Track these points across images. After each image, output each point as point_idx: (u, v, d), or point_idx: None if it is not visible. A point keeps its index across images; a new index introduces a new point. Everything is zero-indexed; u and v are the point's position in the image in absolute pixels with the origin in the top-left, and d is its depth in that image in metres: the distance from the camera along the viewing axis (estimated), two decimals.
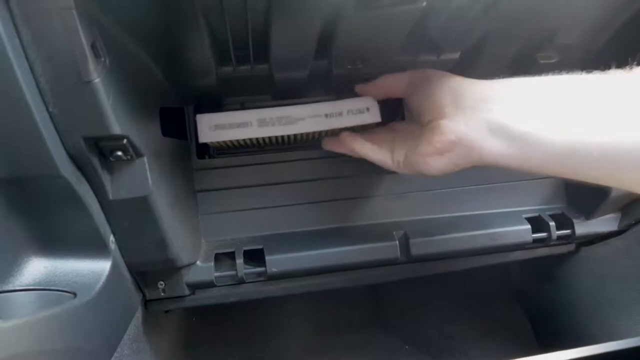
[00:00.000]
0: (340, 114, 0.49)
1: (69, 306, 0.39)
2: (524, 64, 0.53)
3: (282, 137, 0.50)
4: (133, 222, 0.45)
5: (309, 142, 0.56)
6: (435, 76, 0.43)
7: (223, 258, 0.57)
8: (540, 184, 0.65)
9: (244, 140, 0.49)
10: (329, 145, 0.53)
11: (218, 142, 0.50)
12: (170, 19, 0.37)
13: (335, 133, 0.51)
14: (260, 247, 0.56)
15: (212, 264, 0.55)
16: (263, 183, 0.59)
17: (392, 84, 0.48)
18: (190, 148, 0.57)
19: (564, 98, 0.36)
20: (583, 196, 0.63)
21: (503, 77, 0.40)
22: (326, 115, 0.49)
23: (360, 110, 0.49)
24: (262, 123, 0.48)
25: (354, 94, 0.50)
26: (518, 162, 0.38)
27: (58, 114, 0.35)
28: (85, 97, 0.34)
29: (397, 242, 0.58)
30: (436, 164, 0.42)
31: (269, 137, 0.49)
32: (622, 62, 0.36)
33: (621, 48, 0.50)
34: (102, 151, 0.39)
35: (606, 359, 0.47)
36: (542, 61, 0.52)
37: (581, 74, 0.37)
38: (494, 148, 0.38)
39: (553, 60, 0.51)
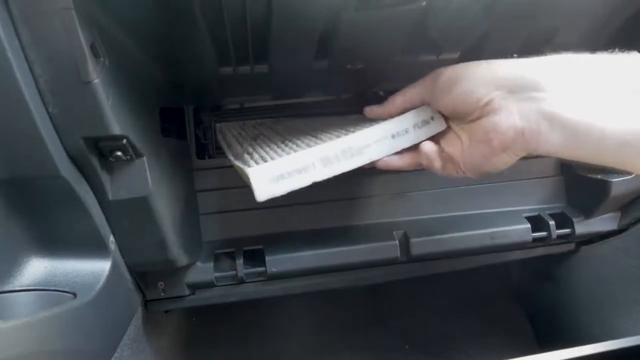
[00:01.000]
0: (406, 131, 0.43)
1: (69, 307, 0.39)
2: None
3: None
4: (133, 222, 0.45)
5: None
6: (466, 69, 0.40)
7: (223, 258, 0.57)
8: (540, 183, 0.65)
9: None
10: (407, 161, 0.44)
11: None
12: (170, 19, 0.37)
13: None
14: (260, 247, 0.56)
15: (212, 264, 0.55)
16: None
17: (407, 100, 0.44)
18: (190, 148, 0.57)
19: (615, 82, 0.35)
20: (583, 195, 0.63)
21: None
22: (393, 136, 0.43)
23: (425, 121, 0.43)
24: (326, 162, 0.41)
25: (354, 95, 0.49)
26: (571, 152, 0.37)
27: (58, 115, 0.35)
28: (85, 97, 0.34)
29: (397, 242, 0.58)
30: (499, 162, 0.40)
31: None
32: None
33: (621, 48, 0.50)
34: (102, 151, 0.39)
35: (606, 358, 0.47)
36: None
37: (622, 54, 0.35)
38: (550, 139, 0.36)
39: None
